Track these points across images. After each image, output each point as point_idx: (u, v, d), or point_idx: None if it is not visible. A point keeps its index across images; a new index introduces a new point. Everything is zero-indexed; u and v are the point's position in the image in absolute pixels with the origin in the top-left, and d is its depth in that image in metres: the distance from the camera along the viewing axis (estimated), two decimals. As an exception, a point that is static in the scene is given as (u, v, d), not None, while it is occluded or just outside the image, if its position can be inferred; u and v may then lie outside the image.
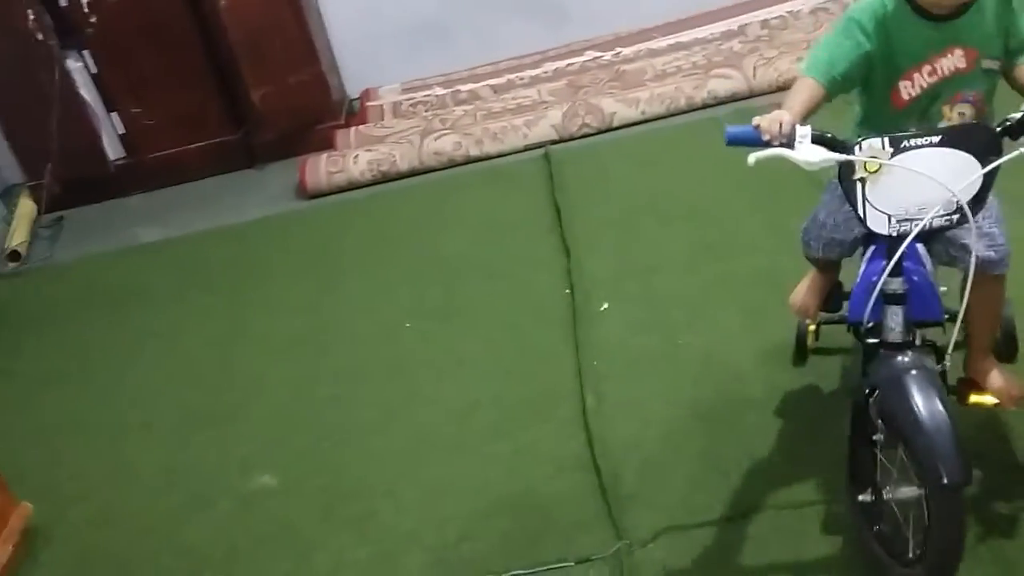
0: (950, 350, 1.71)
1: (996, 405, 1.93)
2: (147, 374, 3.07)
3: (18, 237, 4.07)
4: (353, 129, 4.29)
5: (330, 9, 4.55)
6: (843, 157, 1.58)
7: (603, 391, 2.51)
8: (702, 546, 2.01)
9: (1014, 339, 2.15)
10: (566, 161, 3.83)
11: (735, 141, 1.61)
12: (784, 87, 3.57)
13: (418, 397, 2.67)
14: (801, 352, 2.35)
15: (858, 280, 1.79)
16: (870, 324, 1.75)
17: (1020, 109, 1.61)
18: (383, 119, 4.41)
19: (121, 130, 4.37)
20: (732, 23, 4.43)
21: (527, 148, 3.99)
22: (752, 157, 1.56)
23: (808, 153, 1.56)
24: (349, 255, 3.52)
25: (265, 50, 4.17)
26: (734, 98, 3.96)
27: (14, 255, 4.00)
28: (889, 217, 1.63)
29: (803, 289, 2.16)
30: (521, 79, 4.43)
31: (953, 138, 1.58)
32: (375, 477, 2.42)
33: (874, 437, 1.71)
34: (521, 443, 2.41)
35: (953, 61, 1.72)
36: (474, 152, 4.00)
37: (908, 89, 1.74)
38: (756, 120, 1.59)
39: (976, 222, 1.62)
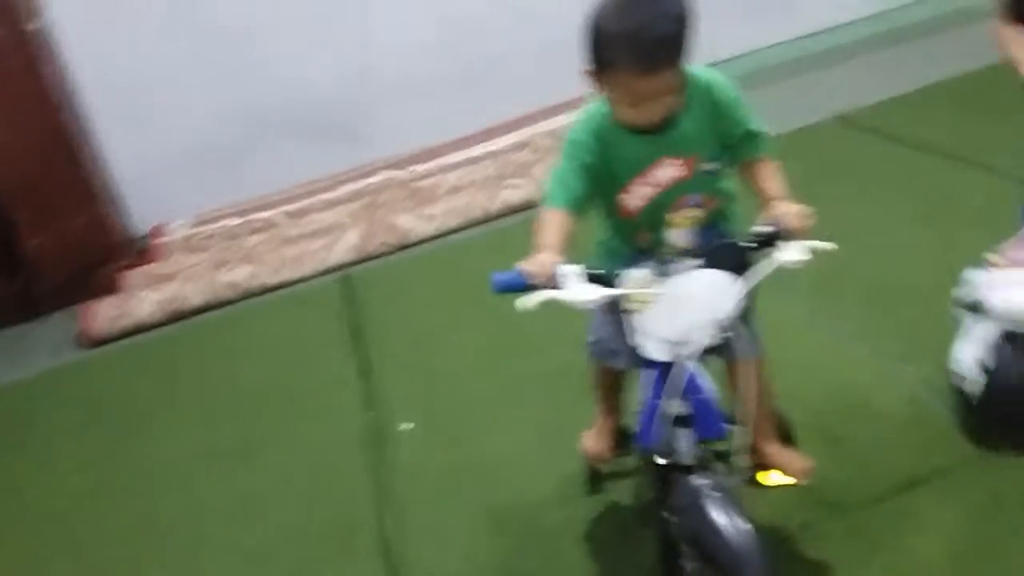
0: (738, 457, 1.74)
1: (790, 481, 1.95)
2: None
3: None
4: (140, 269, 4.10)
5: (110, 147, 4.38)
6: (614, 293, 1.59)
7: (404, 516, 2.41)
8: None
9: (786, 425, 2.12)
10: (366, 282, 3.79)
11: (503, 288, 1.57)
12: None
13: (211, 546, 2.47)
14: (594, 481, 2.24)
15: (642, 407, 1.75)
16: (658, 449, 1.74)
17: (760, 222, 1.65)
18: (173, 255, 4.24)
19: None
20: (520, 135, 4.58)
21: (326, 271, 3.92)
22: (521, 304, 1.53)
23: (579, 292, 1.55)
24: (139, 402, 3.30)
25: (38, 196, 3.97)
26: (527, 206, 4.06)
27: None
28: (665, 344, 1.65)
29: (593, 436, 2.13)
30: (317, 203, 4.39)
31: (711, 259, 1.62)
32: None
33: (680, 562, 1.69)
34: (321, 580, 2.26)
35: (669, 171, 1.73)
36: (271, 280, 3.90)
37: (631, 200, 1.76)
38: (520, 265, 1.57)
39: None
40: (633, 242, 1.81)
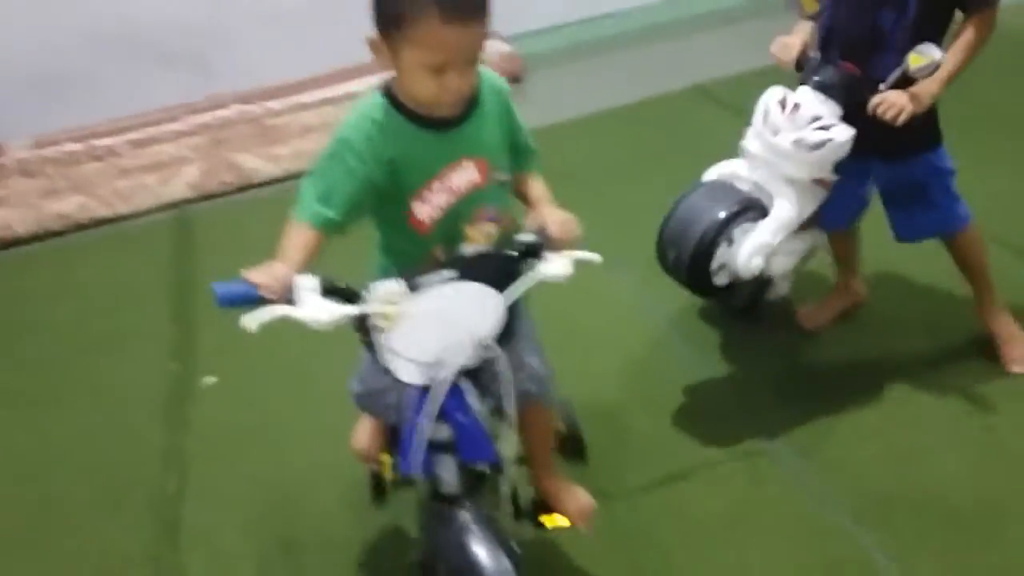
0: (507, 499, 1.66)
1: (568, 524, 1.89)
2: None
3: None
4: (-34, 191, 3.90)
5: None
6: (356, 310, 1.40)
7: (188, 474, 2.40)
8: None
9: (580, 437, 2.10)
10: (202, 222, 3.69)
11: (228, 302, 1.35)
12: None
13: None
14: (378, 490, 2.06)
15: (402, 431, 1.60)
16: (418, 476, 1.60)
17: (525, 230, 1.55)
18: (9, 178, 4.04)
19: None
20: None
21: (162, 208, 3.81)
22: (250, 320, 1.32)
23: (316, 310, 1.35)
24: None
25: None
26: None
27: None
28: (419, 365, 1.48)
29: (363, 432, 1.98)
30: (163, 133, 4.22)
31: (469, 270, 1.47)
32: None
33: None
34: (91, 538, 2.24)
35: (466, 174, 1.56)
36: (102, 213, 3.77)
37: (425, 211, 1.56)
38: (248, 274, 1.36)
39: (513, 352, 1.54)
40: (425, 258, 1.58)
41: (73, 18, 4.20)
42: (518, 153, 1.68)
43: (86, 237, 3.73)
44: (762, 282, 2.40)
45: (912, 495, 2.05)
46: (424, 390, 1.51)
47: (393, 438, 1.90)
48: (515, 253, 1.51)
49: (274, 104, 4.29)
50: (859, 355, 2.50)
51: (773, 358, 2.53)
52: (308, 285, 1.36)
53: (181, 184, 3.83)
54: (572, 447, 2.09)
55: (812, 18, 2.25)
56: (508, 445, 1.60)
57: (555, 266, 1.48)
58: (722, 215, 2.13)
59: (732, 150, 2.28)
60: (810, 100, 2.12)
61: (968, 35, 2.05)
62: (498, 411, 1.61)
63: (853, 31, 2.13)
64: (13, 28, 4.14)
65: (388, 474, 2.02)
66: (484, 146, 1.58)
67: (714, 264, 2.15)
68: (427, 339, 1.45)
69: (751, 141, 2.20)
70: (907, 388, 2.35)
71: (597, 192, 3.44)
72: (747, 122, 2.24)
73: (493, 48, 4.51)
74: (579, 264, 1.50)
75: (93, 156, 4.11)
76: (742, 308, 2.62)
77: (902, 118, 2.00)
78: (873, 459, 2.16)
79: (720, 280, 2.18)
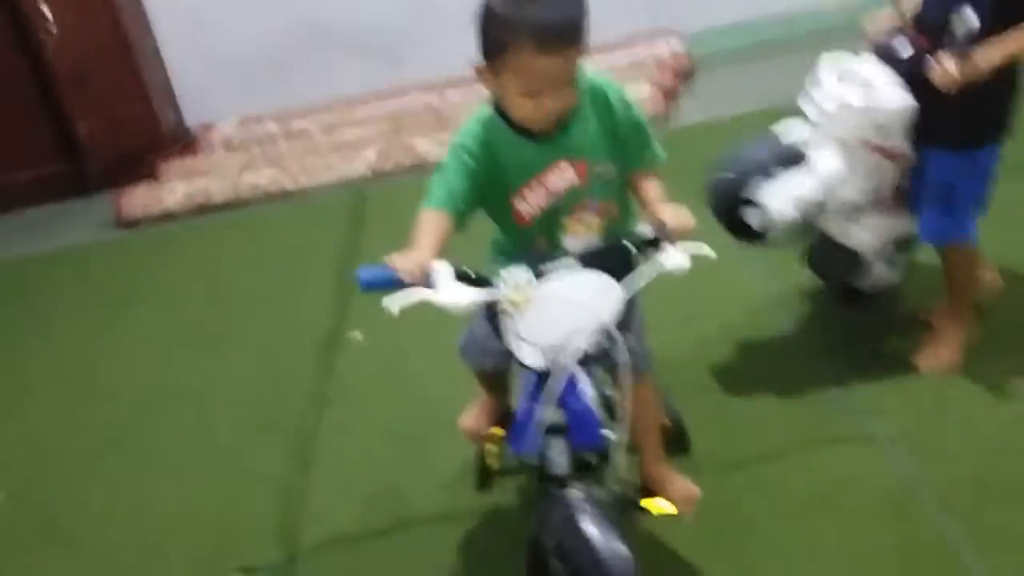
0: (619, 473, 1.67)
1: (673, 511, 1.93)
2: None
3: None
4: (179, 161, 4.41)
5: (170, 43, 4.69)
6: (489, 295, 1.50)
7: (326, 414, 2.64)
8: (363, 560, 2.13)
9: (684, 432, 2.17)
10: (377, 198, 3.98)
11: (371, 286, 1.46)
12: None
13: (157, 420, 2.77)
14: (483, 477, 2.15)
15: (518, 411, 1.67)
16: (536, 457, 1.65)
17: (644, 225, 1.63)
18: (214, 152, 4.53)
19: (-49, 157, 4.45)
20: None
21: (342, 184, 4.14)
22: (392, 303, 1.43)
23: (452, 294, 1.45)
24: (142, 283, 3.63)
25: (92, 84, 4.30)
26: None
27: None
28: (541, 349, 1.56)
29: (472, 412, 2.11)
30: (352, 117, 4.59)
31: (591, 261, 1.56)
32: (95, 497, 2.51)
33: None
34: (240, 463, 2.52)
35: (563, 177, 1.66)
36: (290, 187, 4.14)
37: (525, 207, 1.68)
38: (391, 260, 1.47)
39: (628, 338, 1.58)
40: (529, 248, 1.72)
41: (280, 12, 4.64)
42: (630, 151, 1.73)
43: (274, 208, 4.11)
44: (854, 262, 2.35)
45: (1002, 486, 1.98)
46: (540, 376, 1.59)
47: (502, 421, 2.03)
48: (635, 247, 1.58)
49: (452, 93, 4.56)
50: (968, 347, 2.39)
51: (876, 343, 2.48)
52: (444, 271, 1.46)
53: (361, 164, 4.14)
54: (676, 440, 2.14)
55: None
56: (619, 431, 1.64)
57: (674, 259, 1.53)
58: (766, 152, 2.20)
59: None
60: (868, 66, 2.12)
61: None
62: (606, 400, 1.71)
63: (935, 19, 2.07)
64: (225, 20, 4.62)
65: (493, 462, 2.12)
66: (584, 149, 1.66)
67: (746, 193, 2.19)
68: (551, 324, 1.53)
69: (807, 103, 2.21)
70: (1011, 383, 2.26)
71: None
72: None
73: (665, 45, 4.58)
74: (696, 257, 1.55)
75: (288, 136, 4.53)
76: (845, 294, 2.56)
77: (954, 84, 1.94)
78: (968, 450, 2.09)
79: (752, 218, 2.21)
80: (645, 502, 1.95)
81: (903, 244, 2.40)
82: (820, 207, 2.21)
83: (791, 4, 4.75)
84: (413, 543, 2.15)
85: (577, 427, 1.61)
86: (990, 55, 1.94)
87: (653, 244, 1.57)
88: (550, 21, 1.50)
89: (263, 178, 4.14)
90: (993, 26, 1.96)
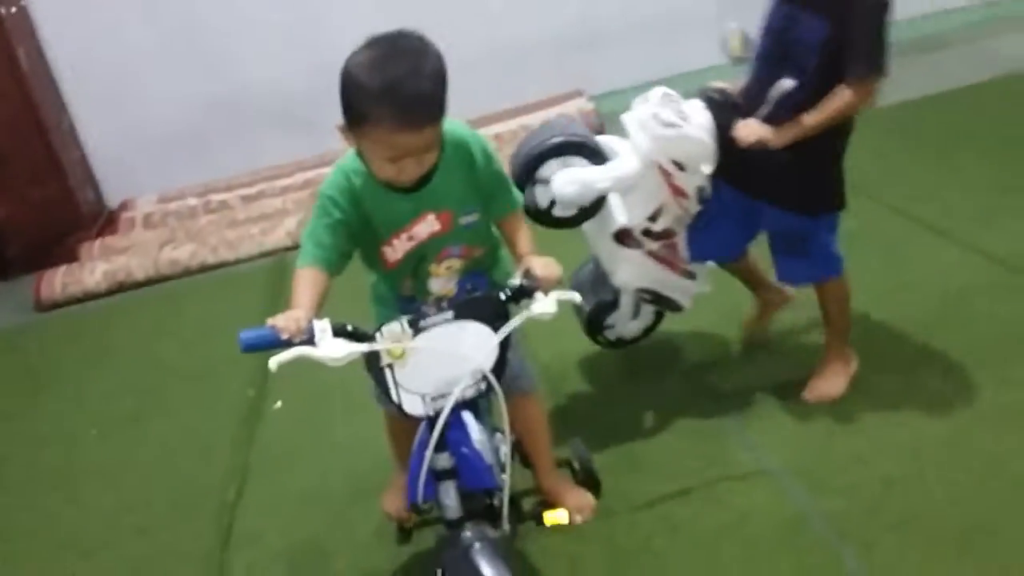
0: (505, 512, 1.77)
1: (567, 521, 1.99)
2: None
3: None
4: (98, 241, 4.42)
5: (84, 124, 4.72)
6: (366, 347, 1.57)
7: (247, 486, 2.65)
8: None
9: (594, 475, 2.22)
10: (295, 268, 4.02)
11: (252, 346, 1.52)
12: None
13: (77, 503, 2.75)
14: (402, 531, 2.19)
15: (410, 463, 1.74)
16: (422, 504, 1.77)
17: (514, 276, 1.72)
18: (133, 230, 4.55)
19: None
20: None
21: (263, 255, 4.18)
22: (274, 361, 1.49)
23: (332, 348, 1.52)
24: (61, 365, 3.61)
25: (8, 168, 4.31)
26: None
27: None
28: (423, 396, 1.66)
29: (392, 494, 2.16)
30: (272, 188, 4.65)
31: (465, 311, 1.64)
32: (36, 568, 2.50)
33: None
34: (159, 542, 2.51)
35: (428, 226, 1.75)
36: (210, 260, 4.17)
37: (391, 254, 1.78)
38: (272, 320, 1.53)
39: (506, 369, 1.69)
40: (397, 289, 1.87)
41: (194, 85, 4.71)
42: (492, 198, 1.82)
43: (194, 281, 4.14)
44: (606, 292, 2.51)
45: (895, 513, 2.07)
46: (429, 425, 1.68)
47: None
48: (506, 296, 1.68)
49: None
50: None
51: (773, 378, 2.60)
52: (322, 327, 1.53)
53: (281, 233, 4.19)
54: (587, 483, 2.22)
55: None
56: (504, 466, 1.78)
57: (542, 305, 1.63)
58: (561, 139, 2.25)
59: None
60: (694, 105, 2.28)
61: (838, 99, 2.11)
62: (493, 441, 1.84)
63: (761, 88, 2.24)
64: (141, 95, 4.68)
65: (412, 520, 2.16)
66: (448, 200, 1.75)
67: (543, 170, 2.25)
68: (430, 374, 1.64)
69: (628, 112, 2.33)
70: (899, 414, 2.38)
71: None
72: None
73: (574, 105, 4.72)
74: (562, 303, 1.66)
75: (208, 210, 4.57)
76: (590, 325, 2.62)
77: (751, 140, 2.15)
78: (859, 480, 2.19)
79: (540, 193, 2.26)
80: (545, 515, 1.99)
81: (657, 302, 2.53)
82: (599, 195, 2.28)
83: (688, 63, 4.97)
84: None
85: (466, 471, 1.72)
86: (789, 132, 2.15)
87: (524, 292, 1.66)
88: (411, 98, 1.54)
89: (183, 253, 4.17)
90: (818, 92, 2.13)
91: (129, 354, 3.60)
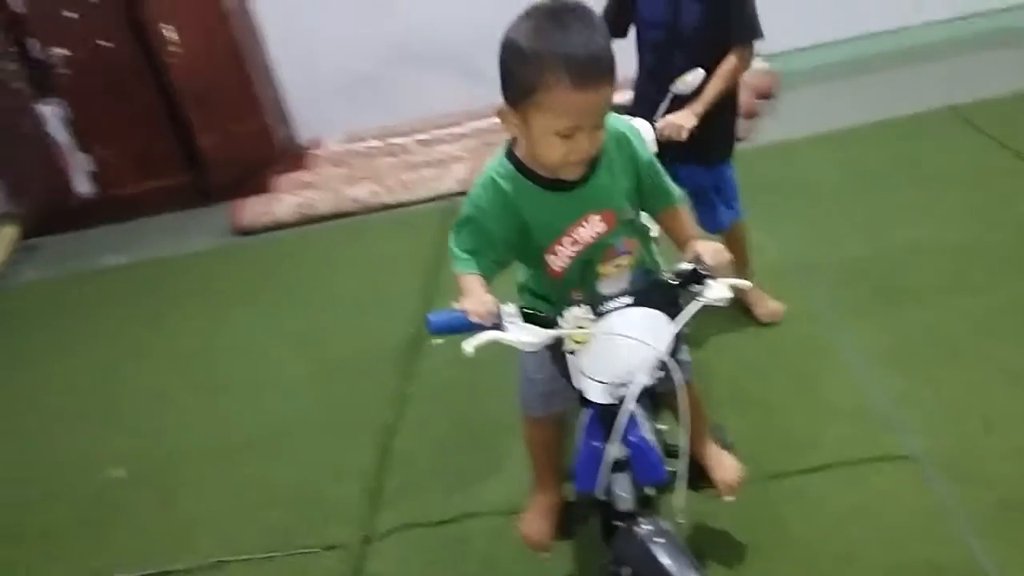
0: (682, 505, 1.67)
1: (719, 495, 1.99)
2: (65, 375, 3.56)
3: (-8, 260, 4.64)
4: (290, 175, 4.78)
5: (281, 64, 5.08)
6: (557, 333, 1.54)
7: (405, 412, 2.90)
8: (431, 544, 2.38)
9: (726, 444, 2.15)
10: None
11: (442, 329, 1.49)
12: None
13: (253, 409, 3.10)
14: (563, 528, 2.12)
15: (579, 450, 1.71)
16: (597, 495, 1.72)
17: (682, 261, 1.64)
18: (320, 166, 4.89)
19: (92, 168, 4.94)
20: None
21: (434, 199, 4.42)
22: (468, 346, 1.46)
23: (522, 334, 1.49)
24: (254, 286, 4.00)
25: (212, 103, 4.73)
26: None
27: (-15, 274, 4.57)
28: (606, 385, 1.60)
29: (532, 518, 2.05)
30: (446, 135, 4.88)
31: (642, 298, 1.59)
32: (200, 472, 2.85)
33: None
34: (322, 452, 2.81)
35: (592, 228, 1.65)
36: (387, 200, 4.45)
37: (556, 261, 1.68)
38: (460, 304, 1.49)
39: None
40: (564, 298, 1.69)
41: (380, 31, 4.97)
42: (655, 194, 1.75)
43: (371, 219, 4.44)
44: None
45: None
46: (598, 416, 1.66)
47: (561, 521, 2.04)
48: (678, 281, 1.62)
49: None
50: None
51: (922, 364, 2.60)
52: (510, 311, 1.50)
53: (451, 179, 4.42)
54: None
55: None
56: (682, 459, 1.67)
57: (716, 291, 1.57)
58: None
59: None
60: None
61: (728, 66, 2.48)
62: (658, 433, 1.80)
63: (652, 79, 2.55)
64: (331, 42, 4.98)
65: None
66: (610, 198, 1.65)
67: None
68: (613, 360, 1.58)
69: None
70: None
71: (818, 203, 3.57)
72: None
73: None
74: (734, 288, 1.62)
75: (388, 152, 4.85)
76: None
77: (683, 135, 2.38)
78: (1013, 477, 2.17)
79: None
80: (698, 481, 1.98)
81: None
82: None
83: (876, 23, 4.81)
84: (477, 533, 2.37)
85: (641, 462, 1.68)
86: (699, 108, 2.44)
87: (696, 278, 1.60)
88: (584, 54, 1.43)
89: (363, 191, 4.46)
90: (706, 68, 2.41)
91: (308, 281, 3.95)
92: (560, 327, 1.54)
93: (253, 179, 4.79)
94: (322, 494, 2.62)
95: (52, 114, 4.78)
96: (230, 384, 3.29)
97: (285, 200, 4.53)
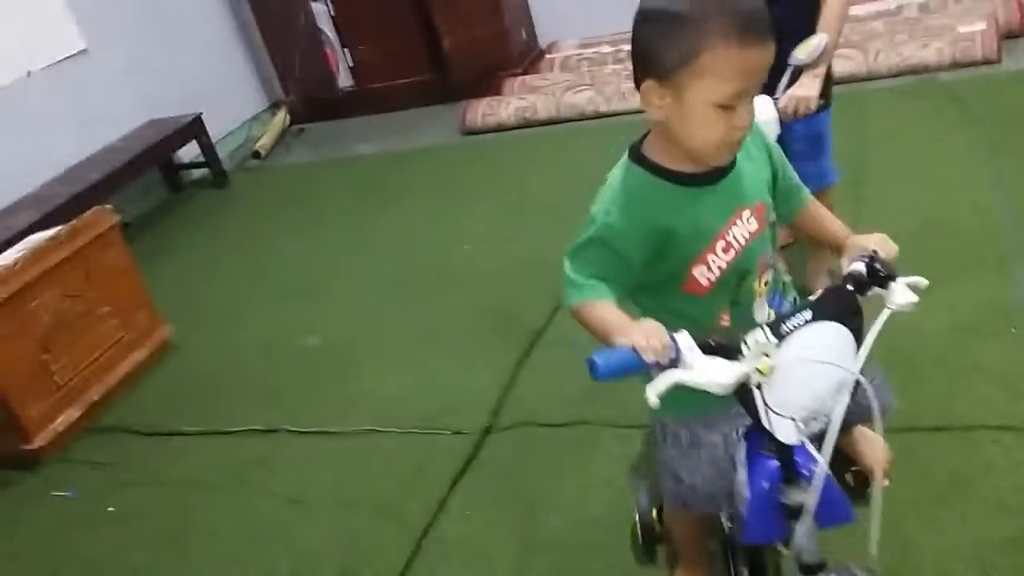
0: (875, 550, 1.34)
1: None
2: (296, 253, 4.10)
3: (263, 141, 5.32)
4: (519, 79, 4.98)
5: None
6: (742, 367, 1.21)
7: (555, 319, 3.09)
8: (542, 443, 2.58)
9: None
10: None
11: (611, 373, 1.18)
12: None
13: (434, 302, 3.42)
14: (648, 549, 1.85)
15: (748, 497, 1.39)
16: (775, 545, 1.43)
17: (848, 261, 1.34)
18: (551, 71, 5.04)
19: (351, 63, 5.44)
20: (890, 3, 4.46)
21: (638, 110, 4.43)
22: (653, 395, 1.16)
23: (710, 371, 1.19)
24: (471, 184, 4.32)
25: (457, 5, 4.99)
26: (851, 79, 4.08)
27: (256, 154, 5.25)
28: (796, 421, 1.29)
29: None
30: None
31: (820, 311, 1.28)
32: (379, 349, 3.24)
33: None
34: (478, 347, 3.07)
35: (745, 226, 1.39)
36: (602, 108, 4.54)
37: (706, 274, 1.38)
38: (626, 338, 1.19)
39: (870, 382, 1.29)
40: (711, 328, 1.38)
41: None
42: (788, 191, 1.51)
43: (583, 126, 4.57)
44: None
45: None
46: (762, 451, 1.37)
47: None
48: (854, 287, 1.32)
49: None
50: None
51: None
52: (687, 343, 1.19)
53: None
54: None
55: None
56: (875, 500, 1.36)
57: (902, 295, 1.29)
58: None
59: None
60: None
61: (835, 6, 2.32)
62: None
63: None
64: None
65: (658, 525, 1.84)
66: (758, 188, 1.42)
67: None
68: (801, 389, 1.27)
69: None
70: None
71: None
72: None
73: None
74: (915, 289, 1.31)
75: (616, 59, 4.89)
76: None
77: (813, 106, 2.25)
78: None
79: None
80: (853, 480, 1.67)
81: None
82: None
83: None
84: (590, 439, 2.54)
85: (827, 504, 1.34)
86: (822, 70, 2.28)
87: (877, 281, 1.31)
88: (751, 5, 1.24)
89: (582, 98, 4.58)
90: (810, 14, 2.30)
91: (511, 183, 4.19)
92: (744, 357, 1.22)
93: (489, 80, 5.05)
94: (470, 383, 2.90)
95: (322, 11, 5.29)
96: (421, 277, 3.62)
97: (510, 103, 4.75)
